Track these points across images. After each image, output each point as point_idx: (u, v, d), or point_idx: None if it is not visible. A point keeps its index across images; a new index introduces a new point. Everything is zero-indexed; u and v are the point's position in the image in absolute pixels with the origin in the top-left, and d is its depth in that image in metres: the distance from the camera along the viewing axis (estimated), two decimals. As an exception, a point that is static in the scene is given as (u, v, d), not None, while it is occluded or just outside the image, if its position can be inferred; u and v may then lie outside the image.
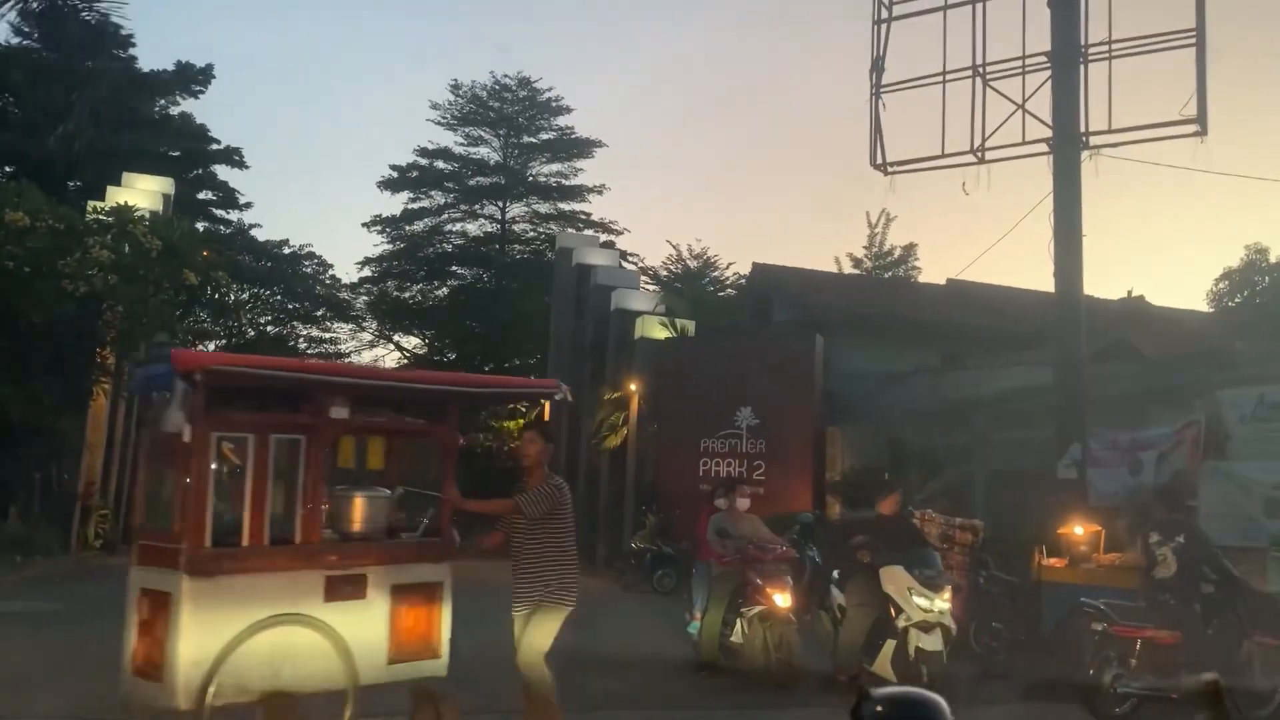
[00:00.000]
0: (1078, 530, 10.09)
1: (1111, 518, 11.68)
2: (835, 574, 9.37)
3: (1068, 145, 13.60)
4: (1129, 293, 29.33)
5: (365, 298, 45.45)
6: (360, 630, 5.79)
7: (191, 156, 35.15)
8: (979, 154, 14.44)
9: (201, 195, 37.64)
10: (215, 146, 36.10)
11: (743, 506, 9.74)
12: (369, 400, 6.34)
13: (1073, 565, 9.80)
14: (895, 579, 8.31)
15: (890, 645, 8.25)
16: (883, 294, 29.97)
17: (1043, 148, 13.98)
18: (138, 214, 17.90)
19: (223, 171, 37.74)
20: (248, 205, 39.25)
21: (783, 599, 8.89)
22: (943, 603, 8.24)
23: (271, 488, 5.71)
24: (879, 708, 1.74)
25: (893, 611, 8.28)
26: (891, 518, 9.08)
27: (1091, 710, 8.17)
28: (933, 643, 8.10)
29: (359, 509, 6.16)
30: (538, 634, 6.18)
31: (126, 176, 26.82)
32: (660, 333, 24.35)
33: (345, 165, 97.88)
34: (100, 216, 18.53)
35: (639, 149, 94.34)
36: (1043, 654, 9.74)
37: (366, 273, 43.85)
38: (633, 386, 24.25)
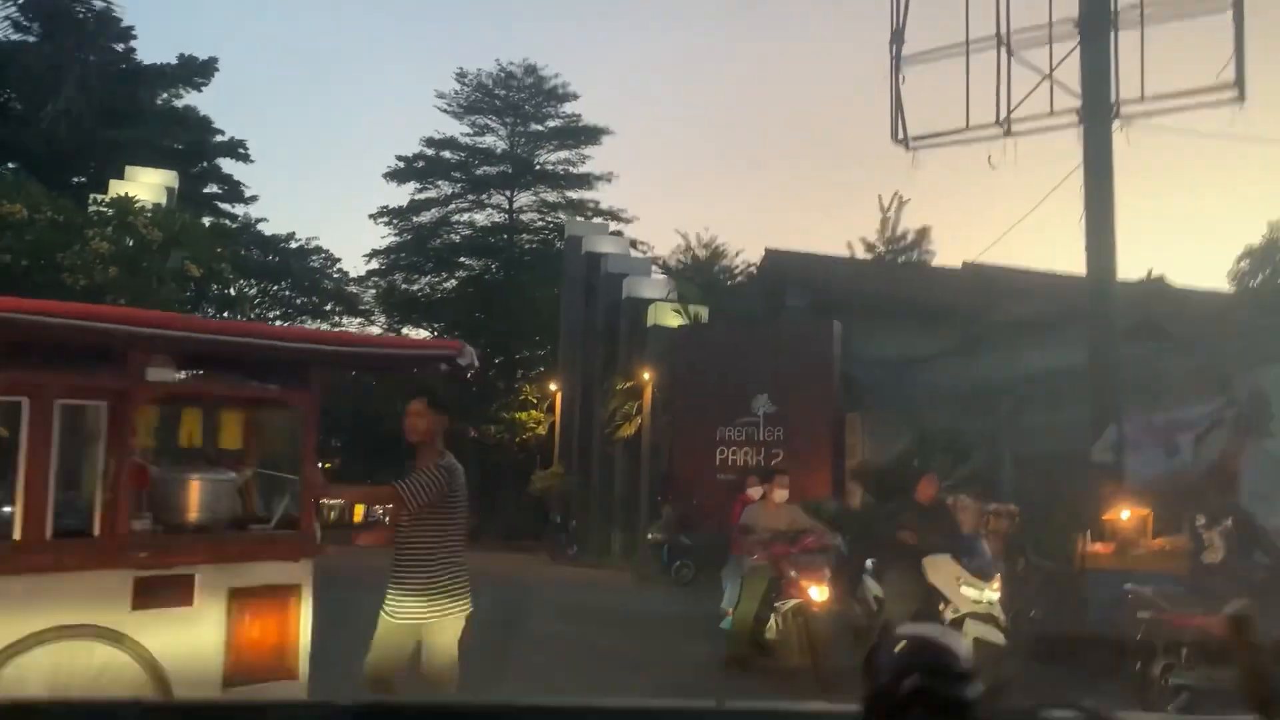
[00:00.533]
0: (1124, 514, 9.61)
1: (1148, 502, 11.24)
2: (869, 564, 8.89)
3: (1099, 115, 13.09)
4: (1149, 273, 28.74)
5: (373, 290, 45.15)
6: (183, 646, 4.69)
7: (195, 150, 34.77)
8: (1005, 126, 13.93)
9: (207, 190, 37.32)
10: (219, 139, 35.69)
11: (780, 498, 9.01)
12: (204, 360, 5.22)
13: (1120, 551, 9.33)
14: (942, 569, 7.83)
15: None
16: (898, 278, 29.43)
17: (1072, 119, 13.47)
18: (138, 205, 17.50)
19: (227, 165, 37.46)
20: (253, 199, 39.07)
21: (819, 592, 8.39)
22: (992, 593, 7.78)
23: (56, 467, 4.57)
24: (898, 647, 1.55)
25: (941, 605, 7.80)
26: (928, 504, 8.60)
27: (1142, 702, 7.71)
28: (993, 634, 7.62)
29: (189, 495, 5.03)
30: (447, 650, 5.04)
31: (129, 170, 26.46)
32: (673, 320, 23.92)
33: (352, 159, 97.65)
34: (100, 209, 18.14)
35: (645, 139, 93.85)
36: (1087, 644, 9.28)
37: (374, 265, 43.48)
38: (646, 375, 23.84)
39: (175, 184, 26.88)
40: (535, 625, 11.55)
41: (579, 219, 38.17)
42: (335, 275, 47.23)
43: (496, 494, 39.29)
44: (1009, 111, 13.97)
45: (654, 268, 32.65)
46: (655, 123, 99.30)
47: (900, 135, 14.63)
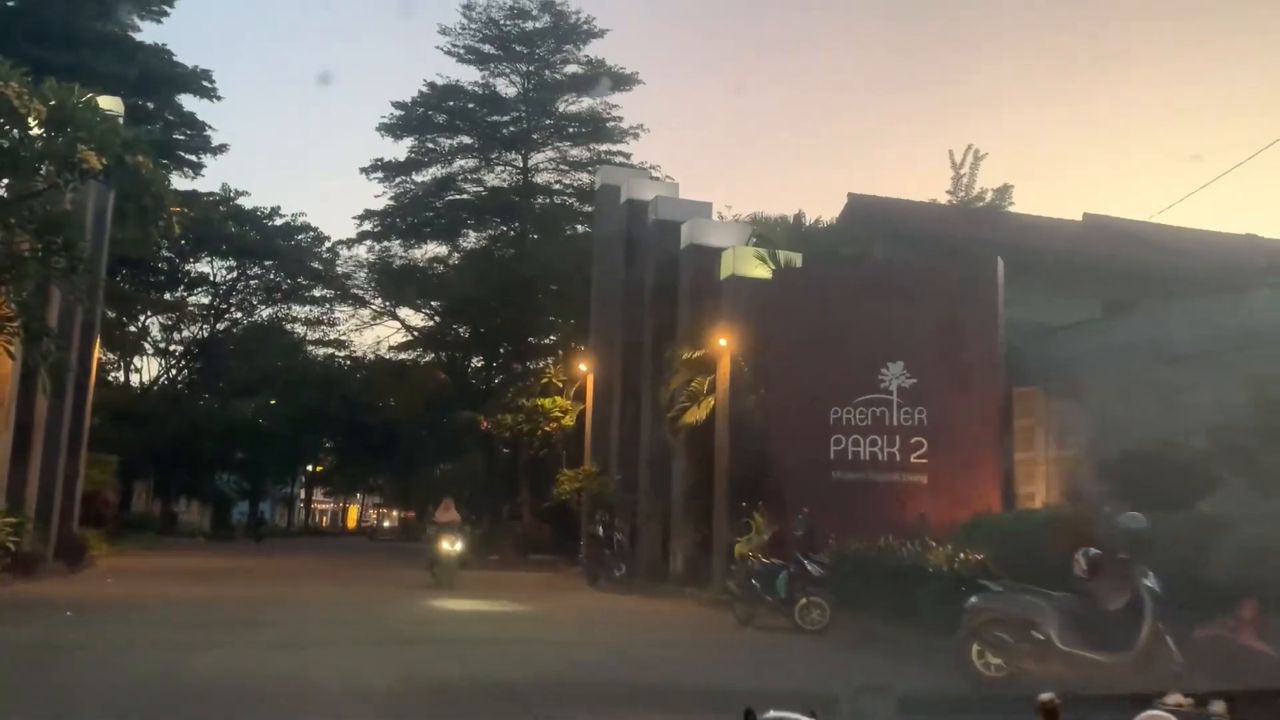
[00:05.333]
0: None
1: None
2: None
3: None
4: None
5: (365, 270, 39.56)
6: None
7: (153, 81, 28.89)
8: None
9: (174, 138, 31.62)
10: (181, 69, 29.68)
11: None
12: None
13: None
14: None
15: None
16: (1012, 230, 23.72)
17: None
18: (11, 67, 11.76)
19: (190, 104, 31.71)
20: (221, 148, 33.13)
21: None
22: None
23: None
24: None
25: None
26: None
27: None
28: None
29: None
30: None
31: (61, 92, 20.79)
32: (759, 270, 18.11)
33: (343, 126, 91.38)
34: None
35: (665, 104, 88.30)
36: None
37: (366, 227, 37.65)
38: (723, 341, 18.09)
39: (120, 110, 21.26)
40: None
41: (614, 166, 32.29)
42: (325, 255, 41.85)
43: (512, 497, 33.42)
44: None
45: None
46: (678, 86, 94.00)
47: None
